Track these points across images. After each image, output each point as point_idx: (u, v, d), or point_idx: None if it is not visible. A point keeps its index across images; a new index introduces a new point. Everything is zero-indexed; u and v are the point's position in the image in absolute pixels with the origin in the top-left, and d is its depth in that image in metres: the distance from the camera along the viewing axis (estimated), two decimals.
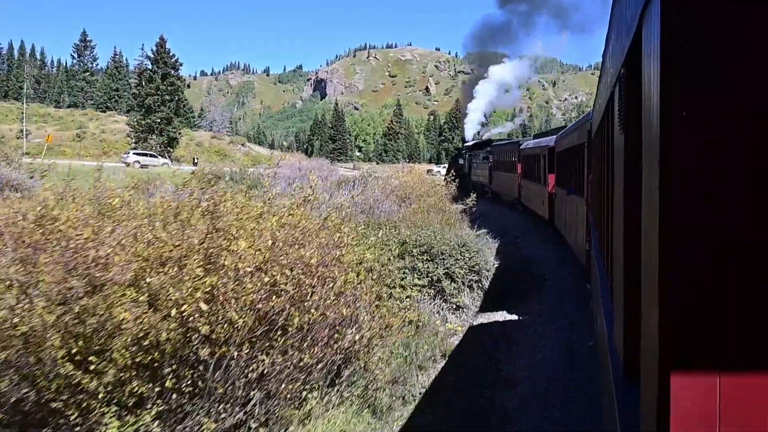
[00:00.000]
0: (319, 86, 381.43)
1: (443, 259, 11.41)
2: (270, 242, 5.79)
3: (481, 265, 12.11)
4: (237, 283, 5.28)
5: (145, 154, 53.95)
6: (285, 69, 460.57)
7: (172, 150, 69.23)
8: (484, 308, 11.47)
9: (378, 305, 7.71)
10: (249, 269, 5.37)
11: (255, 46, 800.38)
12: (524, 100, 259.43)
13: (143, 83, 66.38)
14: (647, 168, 2.11)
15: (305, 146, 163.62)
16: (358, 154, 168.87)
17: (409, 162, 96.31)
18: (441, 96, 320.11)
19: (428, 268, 11.20)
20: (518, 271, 13.87)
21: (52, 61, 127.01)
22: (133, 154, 53.37)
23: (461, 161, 43.28)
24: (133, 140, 67.40)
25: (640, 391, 2.37)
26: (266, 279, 5.48)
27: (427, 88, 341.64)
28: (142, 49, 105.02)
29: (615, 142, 4.00)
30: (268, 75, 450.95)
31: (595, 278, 7.24)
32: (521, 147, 26.69)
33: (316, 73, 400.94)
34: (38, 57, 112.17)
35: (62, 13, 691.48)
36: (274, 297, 5.52)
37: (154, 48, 66.68)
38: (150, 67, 67.31)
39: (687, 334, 1.76)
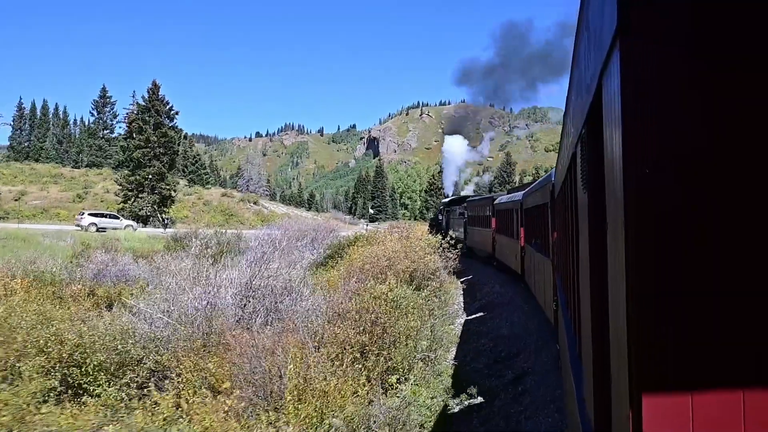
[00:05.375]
0: (372, 145, 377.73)
1: None
2: None
3: None
4: None
5: (104, 215, 45.27)
6: (339, 128, 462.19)
7: (166, 209, 60.53)
8: None
9: None
10: None
11: (309, 106, 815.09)
12: None
13: (132, 134, 58.17)
14: (612, 225, 2.06)
15: (350, 204, 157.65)
16: (404, 211, 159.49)
17: None
18: (495, 151, 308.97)
19: None
20: None
21: (74, 119, 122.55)
22: (89, 215, 44.63)
23: (440, 217, 40.69)
24: (122, 199, 59.10)
25: None
26: None
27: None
28: (133, 96, 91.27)
29: (579, 200, 3.96)
30: (322, 135, 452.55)
31: (563, 336, 7.11)
32: (495, 202, 26.18)
33: (369, 131, 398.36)
34: (61, 116, 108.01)
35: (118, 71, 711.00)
36: None
37: (146, 95, 58.75)
38: (140, 116, 59.12)
39: (657, 397, 1.71)
